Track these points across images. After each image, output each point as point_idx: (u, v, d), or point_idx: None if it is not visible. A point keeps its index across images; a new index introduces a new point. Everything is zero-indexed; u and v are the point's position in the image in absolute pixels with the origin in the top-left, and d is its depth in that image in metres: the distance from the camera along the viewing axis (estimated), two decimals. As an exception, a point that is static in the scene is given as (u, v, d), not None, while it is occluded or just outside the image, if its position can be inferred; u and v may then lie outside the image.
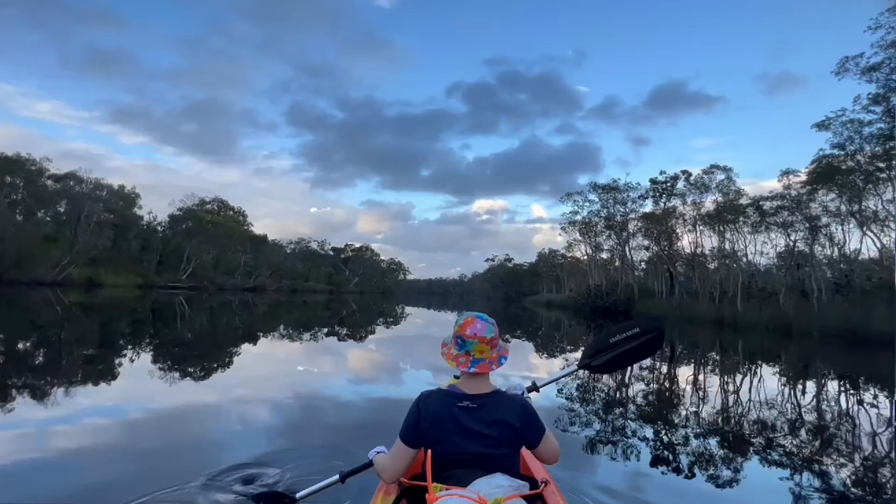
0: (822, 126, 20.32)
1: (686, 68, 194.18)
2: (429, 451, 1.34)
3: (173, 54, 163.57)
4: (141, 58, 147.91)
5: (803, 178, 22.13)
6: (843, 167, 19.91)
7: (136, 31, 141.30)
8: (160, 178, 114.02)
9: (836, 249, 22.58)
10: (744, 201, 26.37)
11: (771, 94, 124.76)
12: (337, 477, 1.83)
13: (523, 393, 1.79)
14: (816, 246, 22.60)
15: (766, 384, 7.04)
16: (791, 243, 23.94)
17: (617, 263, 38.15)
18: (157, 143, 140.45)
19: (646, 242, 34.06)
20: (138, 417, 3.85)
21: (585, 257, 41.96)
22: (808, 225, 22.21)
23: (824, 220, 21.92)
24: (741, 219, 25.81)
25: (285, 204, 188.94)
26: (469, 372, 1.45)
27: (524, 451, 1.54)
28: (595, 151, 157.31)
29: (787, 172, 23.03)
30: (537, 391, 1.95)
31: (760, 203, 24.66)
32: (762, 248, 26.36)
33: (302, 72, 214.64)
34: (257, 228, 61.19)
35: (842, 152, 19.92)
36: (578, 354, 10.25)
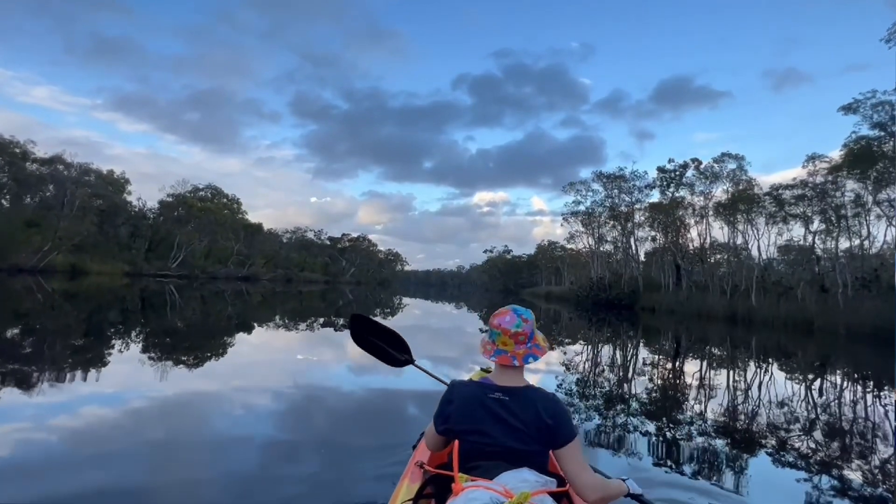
0: (849, 109, 19.67)
1: (693, 63, 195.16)
2: (455, 442, 1.37)
3: (178, 43, 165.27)
4: (146, 46, 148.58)
5: (831, 163, 21.32)
6: (881, 150, 19.03)
7: (141, 19, 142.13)
8: (160, 167, 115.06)
9: (856, 242, 21.82)
10: (758, 191, 25.74)
11: (777, 90, 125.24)
12: (450, 381, 1.99)
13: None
14: (836, 239, 21.81)
15: (779, 383, 6.81)
16: (810, 235, 23.18)
17: (617, 255, 37.78)
18: (159, 131, 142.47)
19: (651, 234, 33.62)
20: (129, 412, 3.70)
21: (587, 248, 41.50)
22: (833, 215, 21.36)
23: (851, 210, 21.08)
24: (756, 209, 25.13)
25: (286, 194, 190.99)
26: (491, 360, 1.50)
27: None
28: (599, 145, 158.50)
29: (813, 158, 22.19)
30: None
31: (779, 192, 23.88)
32: (776, 240, 25.79)
33: (307, 62, 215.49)
34: (257, 218, 60.92)
35: (881, 133, 19.05)
36: (578, 347, 10.13)
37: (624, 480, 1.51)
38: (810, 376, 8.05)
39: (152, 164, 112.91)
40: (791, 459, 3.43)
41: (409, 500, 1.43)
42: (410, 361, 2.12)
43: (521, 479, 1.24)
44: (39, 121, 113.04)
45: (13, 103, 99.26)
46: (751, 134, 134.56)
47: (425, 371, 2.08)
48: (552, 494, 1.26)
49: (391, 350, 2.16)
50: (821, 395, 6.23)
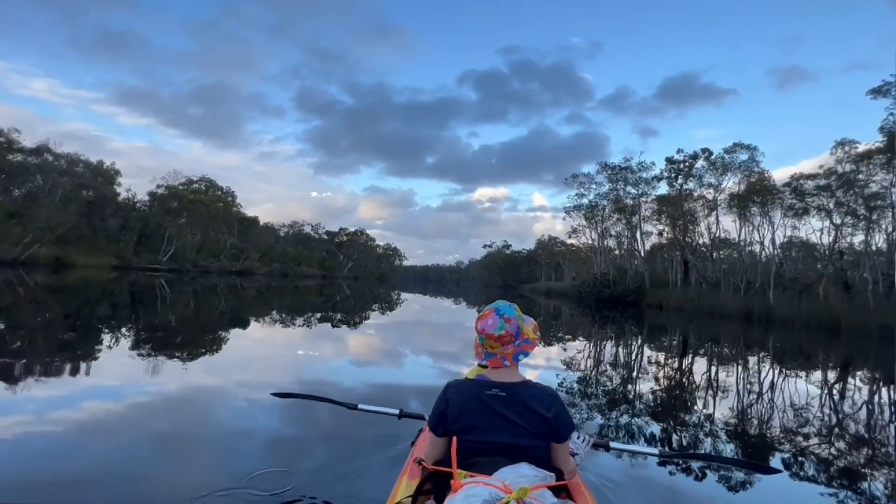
0: (878, 92, 19.08)
1: (700, 60, 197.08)
2: (454, 438, 1.39)
3: (184, 37, 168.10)
4: (151, 40, 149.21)
5: (852, 152, 20.58)
6: None
7: (148, 13, 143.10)
8: (161, 161, 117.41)
9: (882, 237, 21.09)
10: (775, 181, 25.05)
11: (781, 88, 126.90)
12: (397, 411, 2.21)
13: (585, 442, 1.88)
14: (866, 232, 20.89)
15: (800, 387, 6.54)
16: (833, 228, 22.30)
17: (621, 250, 37.47)
18: (162, 126, 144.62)
19: (658, 227, 33.23)
20: (116, 413, 3.64)
21: (590, 242, 41.19)
22: (863, 205, 20.39)
23: (882, 201, 20.18)
24: (774, 201, 24.41)
25: (287, 189, 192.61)
26: (482, 364, 1.53)
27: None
28: (602, 142, 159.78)
29: (842, 143, 21.34)
30: (606, 450, 2.05)
31: (801, 182, 23.03)
32: (792, 235, 25.13)
33: (313, 57, 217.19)
34: (258, 213, 60.89)
35: None
36: (578, 344, 10.03)
37: (574, 455, 1.70)
38: (833, 379, 7.90)
39: (153, 159, 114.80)
40: (806, 468, 3.34)
41: (408, 496, 1.45)
42: (353, 407, 2.24)
43: (520, 475, 1.27)
44: (39, 114, 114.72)
45: (12, 96, 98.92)
46: (753, 132, 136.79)
47: (373, 410, 2.24)
48: (551, 489, 1.28)
49: (328, 400, 2.36)
50: (842, 397, 6.07)
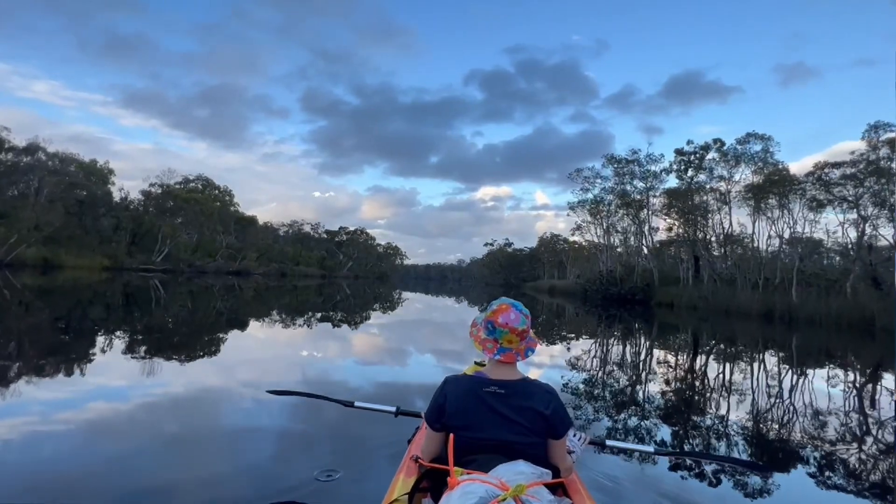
0: None
1: (705, 58, 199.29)
2: (451, 435, 1.40)
3: (191, 40, 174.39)
4: (158, 43, 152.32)
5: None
6: None
7: (156, 16, 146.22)
8: (165, 163, 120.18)
9: None
10: (795, 171, 24.54)
11: (785, 85, 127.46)
12: (394, 409, 2.21)
13: (581, 440, 1.89)
14: (884, 226, 20.25)
15: (814, 387, 6.35)
16: (860, 220, 21.51)
17: (627, 247, 37.09)
18: (168, 128, 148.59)
19: (667, 222, 32.79)
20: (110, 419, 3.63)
21: (596, 239, 40.82)
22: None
23: None
24: (794, 192, 23.80)
25: (290, 189, 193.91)
26: (495, 358, 1.52)
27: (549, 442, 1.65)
28: (607, 140, 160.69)
29: (875, 126, 20.58)
30: (602, 447, 2.15)
31: (825, 171, 22.25)
32: (812, 229, 24.48)
33: (319, 57, 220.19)
34: (261, 213, 60.89)
35: None
36: (582, 343, 10.02)
37: (570, 453, 1.69)
38: (853, 380, 7.66)
39: (157, 161, 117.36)
40: (803, 469, 3.27)
41: (405, 494, 1.46)
42: (350, 404, 2.27)
43: (517, 472, 1.28)
44: (43, 117, 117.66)
45: (16, 99, 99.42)
46: (758, 128, 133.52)
47: (369, 408, 2.26)
48: (548, 486, 1.29)
49: (324, 398, 2.41)
50: (869, 401, 5.86)
